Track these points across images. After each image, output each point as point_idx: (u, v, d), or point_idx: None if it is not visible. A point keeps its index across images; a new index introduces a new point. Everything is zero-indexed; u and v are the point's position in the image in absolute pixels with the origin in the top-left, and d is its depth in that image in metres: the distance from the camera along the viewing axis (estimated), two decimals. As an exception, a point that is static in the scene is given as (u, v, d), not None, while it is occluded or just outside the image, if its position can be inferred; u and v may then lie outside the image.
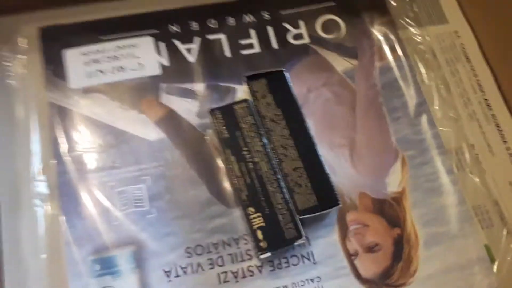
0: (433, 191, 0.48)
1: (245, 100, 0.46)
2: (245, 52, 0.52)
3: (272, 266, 0.45)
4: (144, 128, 0.48)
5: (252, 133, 0.45)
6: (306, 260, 0.45)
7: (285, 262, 0.45)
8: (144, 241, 0.44)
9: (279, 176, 0.44)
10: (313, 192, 0.44)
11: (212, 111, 0.46)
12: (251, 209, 0.42)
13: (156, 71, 0.50)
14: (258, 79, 0.47)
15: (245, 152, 0.45)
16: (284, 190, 0.44)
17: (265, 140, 0.45)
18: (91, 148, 0.47)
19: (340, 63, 0.53)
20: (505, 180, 0.51)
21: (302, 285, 0.44)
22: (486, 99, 0.54)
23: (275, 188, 0.43)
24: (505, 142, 0.52)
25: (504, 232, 0.48)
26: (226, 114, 0.46)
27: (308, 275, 0.45)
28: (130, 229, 0.44)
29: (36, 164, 0.46)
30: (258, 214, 0.42)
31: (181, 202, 0.45)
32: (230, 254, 0.44)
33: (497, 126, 0.53)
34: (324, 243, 0.46)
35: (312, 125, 0.48)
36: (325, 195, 0.44)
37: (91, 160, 0.46)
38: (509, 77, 0.54)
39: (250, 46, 0.53)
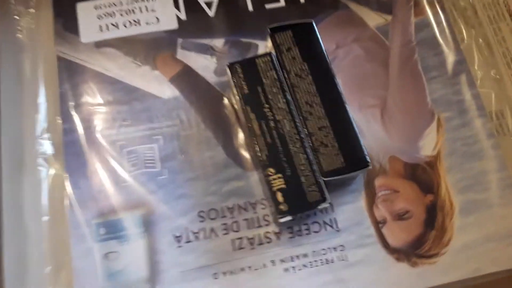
0: (471, 155, 0.45)
1: (268, 54, 0.42)
2: (269, 6, 0.49)
3: (292, 232, 0.42)
4: (158, 85, 0.45)
5: (275, 89, 0.41)
6: (328, 227, 0.42)
7: (306, 229, 0.42)
8: (154, 204, 0.41)
9: (302, 136, 0.40)
10: (340, 152, 0.40)
11: (232, 65, 0.42)
12: (271, 170, 0.39)
13: (173, 25, 0.47)
14: (283, 31, 0.43)
15: (266, 110, 0.41)
16: (308, 150, 0.40)
17: (288, 97, 0.41)
18: (101, 105, 0.44)
19: (373, 18, 0.49)
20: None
21: (324, 254, 0.41)
22: (531, 59, 0.49)
23: (298, 148, 0.40)
24: (550, 106, 0.47)
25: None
26: (247, 68, 0.42)
27: (330, 243, 0.42)
28: (139, 191, 0.42)
29: (42, 121, 0.43)
30: (279, 175, 0.39)
31: (195, 164, 0.43)
32: (246, 219, 0.42)
33: (542, 88, 0.48)
34: (349, 209, 0.43)
35: (340, 83, 0.45)
36: (353, 155, 0.40)
37: (100, 118, 0.44)
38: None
39: (275, -1, 0.49)
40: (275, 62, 0.42)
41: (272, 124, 0.40)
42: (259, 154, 0.40)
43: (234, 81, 0.42)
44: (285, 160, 0.39)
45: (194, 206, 0.42)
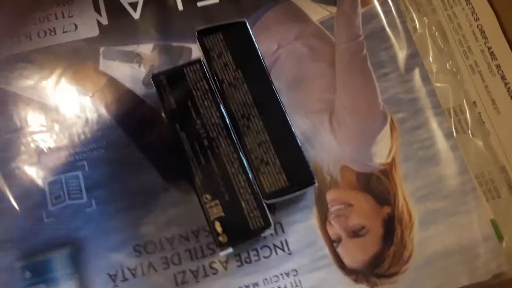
0: (428, 160, 0.41)
1: (197, 61, 0.38)
2: (201, 3, 0.44)
3: (239, 260, 0.38)
4: (80, 102, 0.40)
5: (207, 101, 0.37)
6: (279, 251, 0.39)
7: (255, 255, 0.38)
8: (83, 240, 0.37)
9: (240, 154, 0.36)
10: (283, 170, 0.36)
11: (156, 77, 0.37)
12: (207, 197, 0.35)
13: (94, 32, 0.42)
14: (213, 33, 0.38)
15: (198, 127, 0.36)
16: (248, 170, 0.36)
17: (223, 110, 0.37)
18: (16, 131, 0.39)
19: (316, 11, 0.45)
20: (514, 141, 0.43)
21: (276, 281, 0.38)
22: (489, 47, 0.46)
23: (236, 168, 0.36)
24: (512, 96, 0.44)
25: (514, 203, 0.41)
26: (174, 80, 0.37)
27: (282, 268, 0.38)
28: (66, 226, 0.37)
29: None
30: (216, 202, 0.35)
31: (126, 191, 0.38)
32: (188, 250, 0.38)
33: (503, 78, 0.45)
34: (301, 229, 0.39)
35: (283, 87, 0.41)
36: (297, 173, 0.36)
37: (14, 146, 0.38)
38: (516, 19, 0.45)
39: (208, -4, 0.44)
40: (206, 70, 0.38)
41: (205, 143, 0.36)
42: (193, 179, 0.35)
43: (159, 95, 0.37)
44: (222, 183, 0.35)
45: (128, 239, 0.38)
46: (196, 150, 0.36)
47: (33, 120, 0.39)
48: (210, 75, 0.37)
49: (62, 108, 0.40)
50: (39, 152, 0.39)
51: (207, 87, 0.37)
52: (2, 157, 0.39)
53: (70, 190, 0.38)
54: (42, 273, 0.36)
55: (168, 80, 0.37)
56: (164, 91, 0.37)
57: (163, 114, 0.39)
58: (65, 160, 0.39)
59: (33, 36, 0.41)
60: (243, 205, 0.35)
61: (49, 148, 0.39)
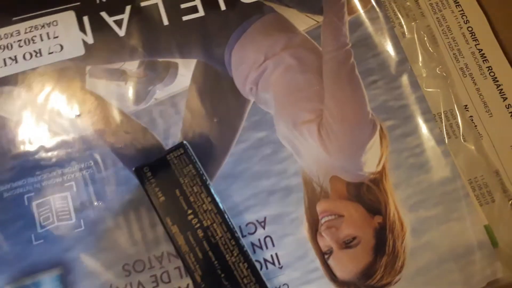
0: (419, 167, 0.41)
1: (180, 146, 0.36)
2: (186, 17, 0.44)
3: (230, 276, 0.37)
4: (67, 123, 0.40)
5: (196, 187, 0.34)
6: (269, 265, 0.38)
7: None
8: (72, 261, 0.37)
9: (239, 239, 0.34)
10: None
11: (139, 170, 0.35)
12: (210, 294, 0.33)
13: (80, 51, 0.42)
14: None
15: (191, 217, 0.34)
16: (248, 253, 0.34)
17: (213, 193, 0.35)
18: (1, 154, 0.39)
19: (303, 21, 0.45)
20: (507, 144, 0.43)
21: (267, 296, 0.37)
22: (480, 50, 0.45)
23: (236, 257, 0.34)
24: (504, 99, 0.44)
25: (508, 207, 0.40)
26: (158, 170, 0.35)
27: (273, 283, 0.38)
28: (55, 248, 0.37)
29: None
30: (220, 298, 0.33)
31: (114, 210, 0.38)
32: (177, 268, 0.38)
33: (495, 80, 0.44)
34: (291, 242, 0.39)
35: (271, 99, 0.41)
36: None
37: (2, 169, 0.38)
38: (506, 21, 0.45)
39: (193, 9, 0.44)
40: (190, 153, 0.35)
41: (200, 234, 0.34)
42: (192, 277, 0.33)
43: (145, 189, 0.35)
44: (224, 276, 0.33)
45: (117, 259, 0.37)
46: (191, 244, 0.34)
47: (20, 142, 0.39)
48: (195, 157, 0.35)
49: (50, 129, 0.40)
50: (25, 174, 0.39)
51: (194, 171, 0.35)
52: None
53: (58, 212, 0.38)
54: (32, 296, 0.36)
55: (152, 171, 0.35)
56: (150, 184, 0.35)
57: (146, 132, 0.38)
58: (54, 181, 0.38)
59: (19, 59, 0.41)
60: None
61: (37, 169, 0.39)
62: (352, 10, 0.44)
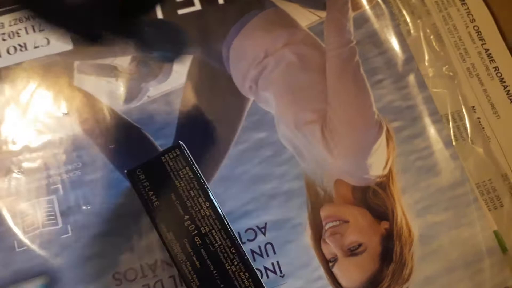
0: (427, 170, 0.39)
1: (176, 146, 0.32)
2: (182, 11, 0.41)
3: (228, 285, 0.35)
4: (54, 122, 0.37)
5: (193, 191, 0.31)
6: (271, 274, 0.36)
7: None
8: (58, 269, 0.35)
9: (239, 247, 0.31)
10: None
11: (132, 172, 0.31)
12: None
13: (67, 45, 0.39)
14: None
15: (187, 223, 0.31)
16: (249, 262, 0.31)
17: (212, 198, 0.31)
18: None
19: (305, 17, 0.43)
20: (515, 146, 0.41)
21: (268, 307, 0.35)
22: (486, 49, 0.43)
23: (236, 266, 0.30)
24: (512, 100, 0.42)
25: (518, 212, 0.39)
26: (153, 172, 0.31)
27: (274, 292, 0.35)
28: (40, 255, 0.35)
29: None
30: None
31: (104, 215, 0.35)
32: (171, 277, 0.36)
33: (502, 81, 0.43)
34: (293, 249, 0.37)
35: (271, 98, 0.39)
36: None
37: (-18, 170, 0.36)
38: (514, 19, 0.43)
39: (189, 3, 0.42)
40: (187, 154, 0.32)
41: (198, 241, 0.31)
42: (189, 287, 0.30)
43: (138, 193, 0.31)
44: (223, 286, 0.30)
45: (107, 267, 0.35)
46: (188, 252, 0.31)
47: (4, 141, 0.37)
48: (192, 159, 0.32)
49: (35, 128, 0.37)
50: (10, 175, 0.36)
51: (191, 174, 0.32)
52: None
53: (43, 216, 0.35)
54: (15, 307, 0.34)
55: (146, 174, 0.31)
56: (143, 187, 0.31)
57: (140, 131, 0.36)
58: (38, 183, 0.36)
59: (3, 53, 0.39)
60: None
61: (21, 170, 0.36)
62: (356, 5, 0.42)
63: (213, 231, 0.31)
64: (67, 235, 0.35)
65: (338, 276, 0.36)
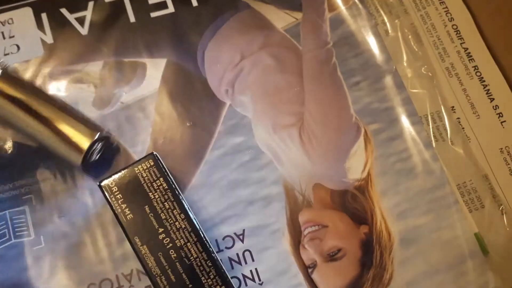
0: (407, 172, 0.39)
1: (149, 157, 0.31)
2: (155, 14, 0.40)
3: (206, 294, 0.34)
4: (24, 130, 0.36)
5: (168, 203, 0.31)
6: (249, 281, 0.36)
7: None
8: (30, 282, 0.34)
9: (214, 256, 0.31)
10: None
11: (104, 186, 0.31)
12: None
13: (38, 52, 0.38)
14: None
15: (162, 236, 0.30)
16: (226, 275, 0.31)
17: (187, 209, 0.31)
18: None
19: (281, 18, 0.42)
20: (495, 147, 0.41)
21: (247, 315, 0.34)
22: (465, 48, 0.43)
23: (212, 279, 0.30)
24: (491, 99, 0.42)
25: (498, 213, 0.38)
26: (126, 184, 0.31)
27: (253, 301, 0.35)
28: (11, 268, 0.34)
29: None
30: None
31: (78, 225, 0.35)
32: (148, 286, 0.34)
33: (481, 80, 0.42)
34: (272, 255, 0.36)
35: (248, 101, 0.38)
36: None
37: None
38: (492, 18, 0.43)
39: (162, 5, 0.41)
40: (161, 165, 0.31)
41: (173, 254, 0.30)
42: None
43: (111, 206, 0.31)
44: None
45: (82, 278, 0.34)
46: (163, 266, 0.30)
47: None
48: (166, 170, 0.32)
49: (7, 135, 0.36)
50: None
51: (165, 185, 0.31)
52: None
53: (15, 227, 0.34)
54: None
55: (119, 186, 0.31)
56: (116, 200, 0.31)
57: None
58: (9, 193, 0.35)
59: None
60: None
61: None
62: (333, 6, 0.42)
63: (188, 243, 0.30)
64: (40, 246, 0.35)
65: (318, 282, 0.36)
